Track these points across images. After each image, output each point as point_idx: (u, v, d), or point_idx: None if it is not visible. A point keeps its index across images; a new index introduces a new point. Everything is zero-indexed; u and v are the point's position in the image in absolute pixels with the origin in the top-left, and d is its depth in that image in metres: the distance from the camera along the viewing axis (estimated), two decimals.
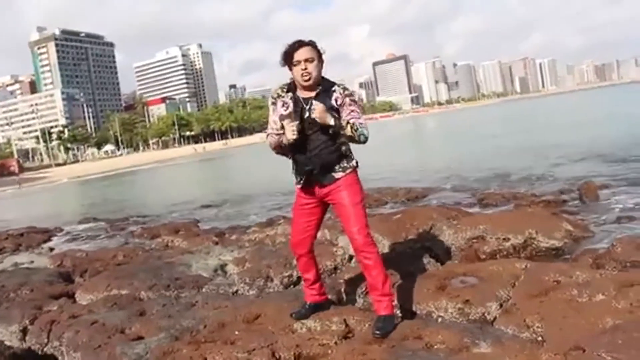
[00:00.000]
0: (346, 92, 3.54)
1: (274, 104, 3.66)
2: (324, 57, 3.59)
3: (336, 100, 3.52)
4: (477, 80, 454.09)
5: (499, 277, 4.38)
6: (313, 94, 3.55)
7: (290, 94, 3.61)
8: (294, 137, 3.47)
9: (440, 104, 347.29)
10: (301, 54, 3.50)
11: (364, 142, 3.52)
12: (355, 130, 3.45)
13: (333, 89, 3.56)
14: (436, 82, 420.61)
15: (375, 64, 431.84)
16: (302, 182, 3.66)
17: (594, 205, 8.68)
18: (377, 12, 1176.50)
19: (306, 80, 3.52)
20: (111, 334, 4.15)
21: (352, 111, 3.52)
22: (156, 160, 78.75)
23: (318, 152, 3.54)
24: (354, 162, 3.63)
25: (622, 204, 8.50)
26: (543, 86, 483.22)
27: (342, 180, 3.57)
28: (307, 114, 3.52)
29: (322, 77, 3.61)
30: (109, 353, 3.83)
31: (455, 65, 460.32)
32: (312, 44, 3.55)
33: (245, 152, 68.72)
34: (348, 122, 3.45)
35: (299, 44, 3.53)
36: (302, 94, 3.60)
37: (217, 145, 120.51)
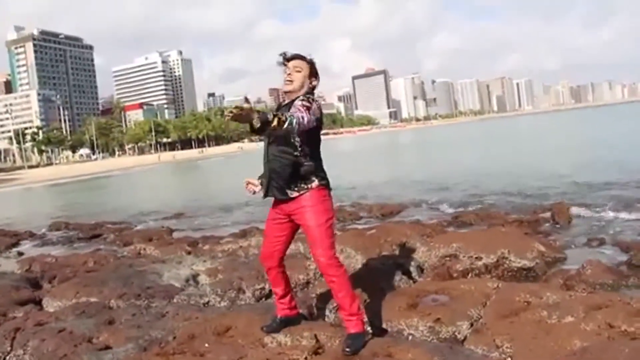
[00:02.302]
0: (302, 100, 3.46)
1: None
2: (315, 79, 3.66)
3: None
4: (454, 98, 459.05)
5: (470, 296, 4.40)
6: (288, 102, 3.61)
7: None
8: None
9: (418, 119, 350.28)
10: (294, 62, 3.62)
11: (297, 126, 3.24)
12: (285, 121, 3.18)
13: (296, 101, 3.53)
14: (414, 98, 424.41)
15: (354, 78, 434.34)
16: (262, 188, 3.70)
17: (566, 226, 8.81)
18: (360, 26, 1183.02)
19: (287, 84, 3.62)
20: (78, 342, 4.06)
21: (296, 110, 3.37)
22: (123, 167, 77.61)
23: (271, 159, 3.57)
24: (313, 184, 3.54)
25: (593, 226, 8.65)
26: (520, 105, 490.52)
27: (303, 199, 3.53)
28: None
29: (308, 91, 3.63)
30: None
31: (433, 82, 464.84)
32: (309, 61, 3.65)
33: (218, 162, 68.32)
34: (275, 115, 3.19)
35: (299, 56, 3.65)
36: (284, 100, 3.69)
37: (193, 153, 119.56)
